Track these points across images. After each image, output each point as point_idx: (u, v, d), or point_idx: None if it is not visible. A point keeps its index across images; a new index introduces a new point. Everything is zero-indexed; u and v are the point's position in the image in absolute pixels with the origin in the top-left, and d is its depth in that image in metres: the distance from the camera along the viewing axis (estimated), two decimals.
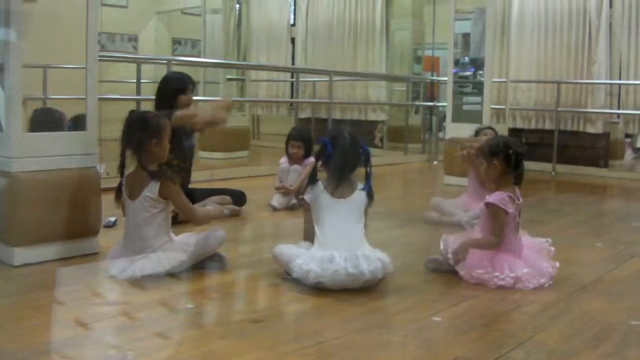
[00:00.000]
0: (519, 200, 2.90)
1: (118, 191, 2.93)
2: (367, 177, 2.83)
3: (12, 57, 2.90)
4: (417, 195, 4.54)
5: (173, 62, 6.03)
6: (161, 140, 2.89)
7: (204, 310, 2.48)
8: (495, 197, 2.84)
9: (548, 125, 7.65)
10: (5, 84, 2.97)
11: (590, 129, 7.40)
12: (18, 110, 2.94)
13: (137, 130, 2.84)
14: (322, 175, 2.88)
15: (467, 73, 8.25)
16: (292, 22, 10.49)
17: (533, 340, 2.17)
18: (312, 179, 2.84)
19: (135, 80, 5.68)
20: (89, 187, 3.13)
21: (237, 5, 9.26)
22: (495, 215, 2.84)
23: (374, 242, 3.24)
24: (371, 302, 2.56)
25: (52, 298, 2.51)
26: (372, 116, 9.35)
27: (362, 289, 2.66)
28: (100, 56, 3.68)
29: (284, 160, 4.73)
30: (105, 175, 4.38)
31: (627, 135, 8.46)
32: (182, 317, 2.37)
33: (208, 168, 5.70)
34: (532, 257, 2.88)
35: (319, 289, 2.61)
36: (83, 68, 3.24)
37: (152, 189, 2.81)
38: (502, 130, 6.14)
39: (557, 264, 2.91)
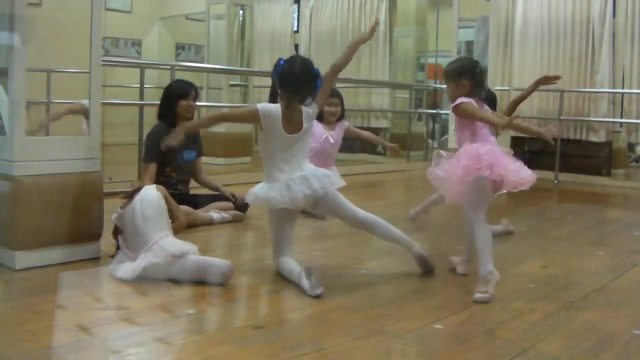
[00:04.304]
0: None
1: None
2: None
3: (16, 61, 2.91)
4: (419, 203, 4.53)
5: (176, 67, 6.04)
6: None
7: (204, 315, 2.48)
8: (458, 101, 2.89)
9: None
10: (9, 88, 2.98)
11: (593, 138, 7.39)
12: (21, 114, 2.95)
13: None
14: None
15: None
16: (295, 28, 10.51)
17: (534, 349, 2.17)
18: (272, 97, 2.98)
19: (138, 85, 5.70)
20: (91, 192, 3.13)
21: (241, 11, 9.27)
22: (467, 112, 2.86)
23: (374, 249, 3.25)
24: (372, 309, 2.56)
25: (54, 302, 2.51)
26: (375, 123, 9.35)
27: (362, 295, 2.66)
28: (103, 61, 3.69)
29: None
30: (108, 180, 4.40)
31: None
32: (183, 322, 2.37)
33: (210, 174, 5.67)
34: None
35: (321, 297, 2.61)
36: (86, 72, 3.25)
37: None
38: (505, 137, 6.14)
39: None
